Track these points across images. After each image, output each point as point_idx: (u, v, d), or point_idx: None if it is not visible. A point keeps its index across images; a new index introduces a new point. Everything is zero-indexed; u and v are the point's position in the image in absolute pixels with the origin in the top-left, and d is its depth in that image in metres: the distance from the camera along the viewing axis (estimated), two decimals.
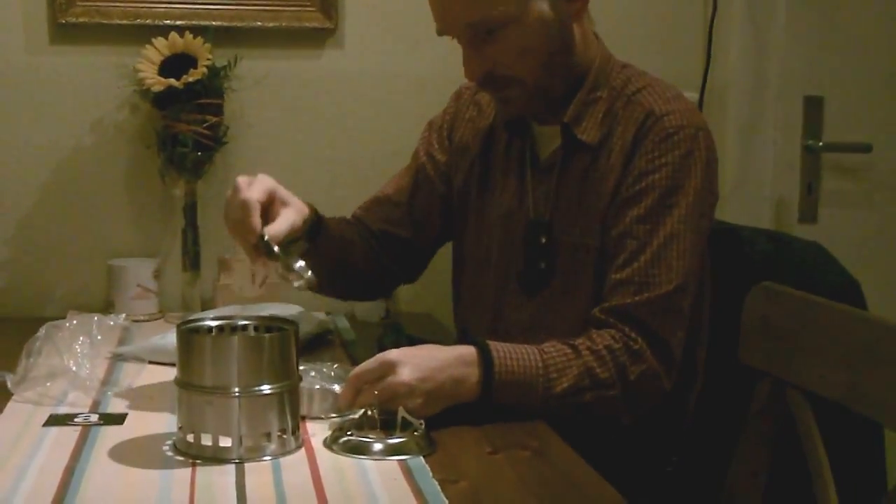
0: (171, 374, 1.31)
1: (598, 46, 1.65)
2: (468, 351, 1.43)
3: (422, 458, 1.27)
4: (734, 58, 2.37)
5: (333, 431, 1.33)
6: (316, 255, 1.59)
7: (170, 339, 1.63)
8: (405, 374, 1.36)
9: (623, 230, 1.54)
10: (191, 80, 1.97)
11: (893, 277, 2.39)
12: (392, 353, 1.38)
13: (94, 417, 1.41)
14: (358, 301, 2.00)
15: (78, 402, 1.47)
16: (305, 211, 1.58)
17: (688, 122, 1.57)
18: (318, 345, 1.83)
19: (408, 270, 1.82)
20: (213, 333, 1.34)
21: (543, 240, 1.62)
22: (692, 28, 2.35)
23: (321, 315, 1.96)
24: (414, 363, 1.38)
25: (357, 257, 1.74)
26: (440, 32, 1.59)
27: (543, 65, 1.56)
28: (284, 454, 1.27)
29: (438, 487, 1.18)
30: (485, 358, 1.43)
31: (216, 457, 1.25)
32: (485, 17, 1.51)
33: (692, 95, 2.22)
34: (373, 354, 1.55)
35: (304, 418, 1.37)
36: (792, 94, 2.40)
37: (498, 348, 1.44)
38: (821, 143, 2.42)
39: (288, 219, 1.52)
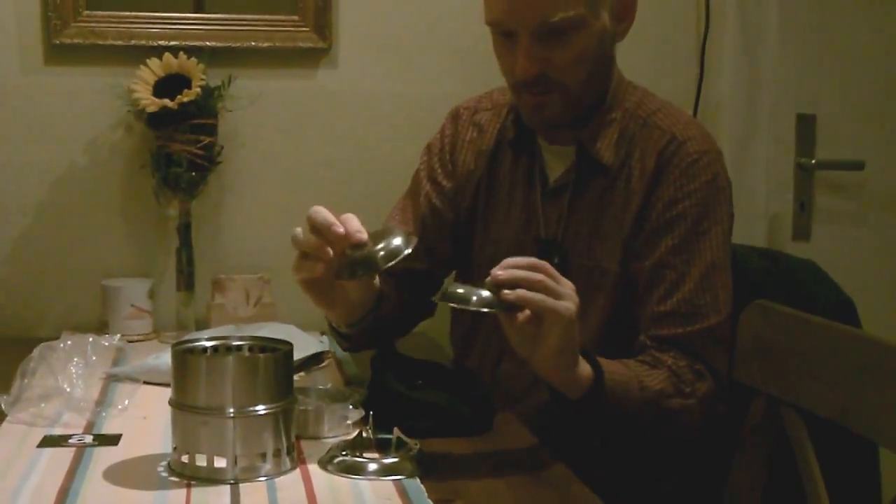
0: (165, 394, 1.30)
1: (615, 66, 1.65)
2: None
3: (417, 478, 1.27)
4: (727, 75, 2.37)
5: (328, 451, 1.33)
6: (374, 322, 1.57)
7: (164, 359, 1.62)
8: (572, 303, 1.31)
9: (658, 261, 1.54)
10: (185, 100, 1.98)
11: (886, 295, 2.39)
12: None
13: (89, 438, 1.41)
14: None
15: (72, 423, 1.46)
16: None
17: (709, 147, 1.58)
18: (312, 365, 1.82)
19: (428, 302, 1.78)
20: (208, 354, 1.34)
21: (556, 260, 1.61)
22: (685, 45, 2.36)
23: (316, 335, 1.96)
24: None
25: (391, 306, 1.67)
26: (496, 24, 1.55)
27: (589, 76, 1.56)
28: (279, 474, 1.27)
29: None
30: (590, 357, 1.40)
31: (211, 477, 1.24)
32: (564, 16, 1.49)
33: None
34: (368, 374, 1.56)
35: (298, 438, 1.37)
36: (785, 112, 2.41)
37: (598, 358, 1.42)
38: (813, 161, 2.43)
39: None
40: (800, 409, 1.38)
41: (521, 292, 1.28)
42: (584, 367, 1.38)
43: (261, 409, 1.25)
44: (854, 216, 2.48)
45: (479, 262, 1.71)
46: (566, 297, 1.31)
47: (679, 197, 1.55)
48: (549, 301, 1.29)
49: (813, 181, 2.45)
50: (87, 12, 2.08)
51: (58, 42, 2.08)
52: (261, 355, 1.32)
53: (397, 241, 1.39)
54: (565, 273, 1.58)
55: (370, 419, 1.35)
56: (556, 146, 1.65)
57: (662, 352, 1.50)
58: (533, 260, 1.32)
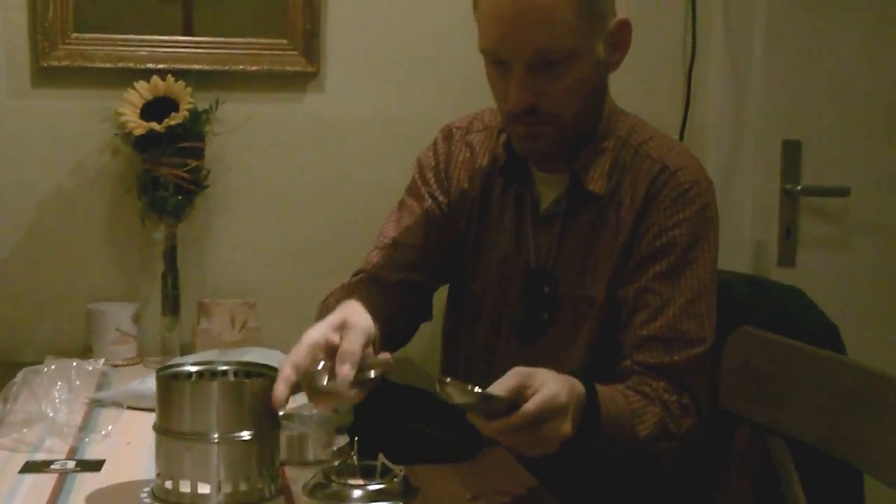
0: (149, 419, 1.30)
1: (608, 97, 1.64)
2: (580, 392, 1.35)
3: None
4: (713, 102, 2.39)
5: (313, 477, 1.32)
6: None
7: (149, 384, 1.61)
8: (567, 426, 1.28)
9: (643, 286, 1.54)
10: (172, 123, 1.98)
11: (871, 322, 2.40)
12: (563, 396, 1.27)
13: (72, 464, 1.40)
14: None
15: (55, 449, 1.45)
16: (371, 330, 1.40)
17: (700, 177, 1.58)
18: (298, 390, 1.81)
19: (426, 310, 1.77)
20: (193, 379, 1.33)
21: (546, 290, 1.61)
22: (671, 72, 2.37)
23: None
24: (571, 409, 1.29)
25: (398, 326, 1.64)
26: (492, 52, 1.52)
27: (582, 107, 1.55)
28: (263, 501, 1.26)
29: None
30: (590, 399, 1.36)
31: (195, 503, 1.24)
32: (559, 45, 1.48)
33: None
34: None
35: (283, 464, 1.36)
36: (770, 138, 2.42)
37: (599, 390, 1.38)
38: (799, 187, 2.43)
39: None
40: (785, 436, 1.38)
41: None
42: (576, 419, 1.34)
43: (245, 434, 1.24)
44: (839, 242, 2.49)
45: (470, 282, 1.71)
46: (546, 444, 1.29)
47: (669, 225, 1.55)
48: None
49: (798, 207, 2.45)
50: (76, 35, 2.09)
51: (45, 64, 2.08)
52: (246, 380, 1.31)
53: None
54: (555, 302, 1.59)
55: (355, 445, 1.34)
56: (546, 174, 1.64)
57: (654, 379, 1.49)
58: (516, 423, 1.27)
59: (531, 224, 1.64)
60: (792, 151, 2.44)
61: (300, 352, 1.31)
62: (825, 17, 2.41)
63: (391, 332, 1.59)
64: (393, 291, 1.66)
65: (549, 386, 1.26)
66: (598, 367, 1.55)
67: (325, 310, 1.57)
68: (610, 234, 1.58)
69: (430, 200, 1.72)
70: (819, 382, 1.33)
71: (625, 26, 1.56)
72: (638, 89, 2.26)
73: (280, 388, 1.26)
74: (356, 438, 1.35)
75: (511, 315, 1.65)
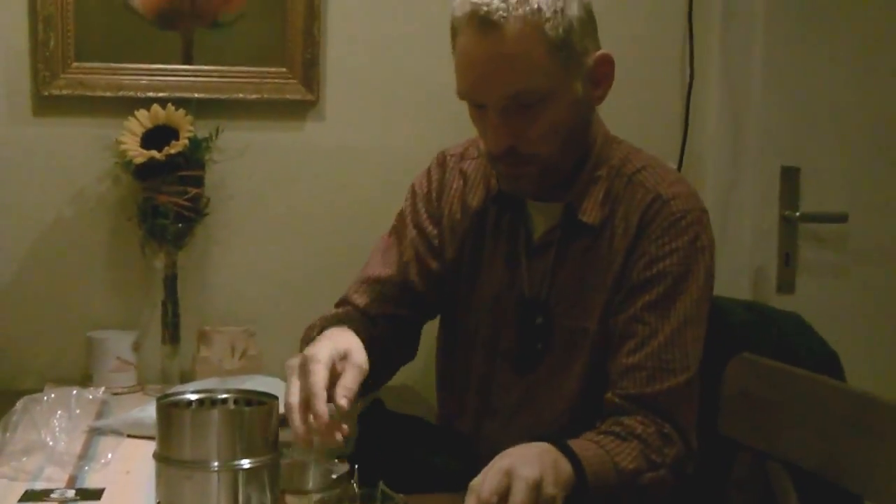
0: (149, 448, 1.30)
1: (599, 124, 1.63)
2: (545, 445, 1.36)
3: None
4: (711, 128, 2.39)
5: None
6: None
7: (149, 412, 1.61)
8: (527, 472, 1.26)
9: (632, 315, 1.52)
10: (172, 151, 1.98)
11: (871, 348, 2.39)
12: (504, 461, 1.28)
13: (71, 493, 1.40)
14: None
15: (54, 477, 1.45)
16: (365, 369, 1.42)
17: (693, 206, 1.57)
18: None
19: (409, 349, 1.75)
20: (193, 407, 1.33)
21: (539, 320, 1.61)
22: (670, 97, 2.38)
23: None
24: (523, 461, 1.28)
25: (376, 363, 1.58)
26: (467, 96, 1.53)
27: (563, 145, 1.54)
28: None
29: None
30: (562, 445, 1.37)
31: None
32: (531, 88, 1.47)
33: (670, 165, 2.23)
34: (354, 428, 1.54)
35: (283, 492, 1.35)
36: (769, 165, 2.43)
37: (571, 443, 1.38)
38: (798, 214, 2.44)
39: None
40: (785, 462, 1.38)
41: None
42: (564, 467, 1.35)
43: (245, 463, 1.24)
44: (838, 269, 2.49)
45: (462, 314, 1.70)
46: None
47: (660, 255, 1.54)
48: None
49: (797, 234, 2.46)
50: (76, 63, 2.09)
51: (46, 93, 2.09)
52: (246, 408, 1.32)
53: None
54: (548, 333, 1.59)
55: (355, 473, 1.34)
56: (540, 203, 1.63)
57: (630, 414, 1.47)
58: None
59: (525, 254, 1.63)
60: (790, 177, 2.44)
61: (318, 372, 1.31)
62: (823, 42, 2.42)
63: (380, 371, 1.57)
64: (375, 325, 1.64)
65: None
66: (593, 398, 1.54)
67: (311, 337, 1.56)
68: (603, 265, 1.57)
69: (419, 236, 1.71)
70: (819, 408, 1.33)
71: (605, 61, 1.54)
72: (636, 115, 2.27)
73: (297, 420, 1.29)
74: (356, 466, 1.35)
75: (505, 346, 1.65)
